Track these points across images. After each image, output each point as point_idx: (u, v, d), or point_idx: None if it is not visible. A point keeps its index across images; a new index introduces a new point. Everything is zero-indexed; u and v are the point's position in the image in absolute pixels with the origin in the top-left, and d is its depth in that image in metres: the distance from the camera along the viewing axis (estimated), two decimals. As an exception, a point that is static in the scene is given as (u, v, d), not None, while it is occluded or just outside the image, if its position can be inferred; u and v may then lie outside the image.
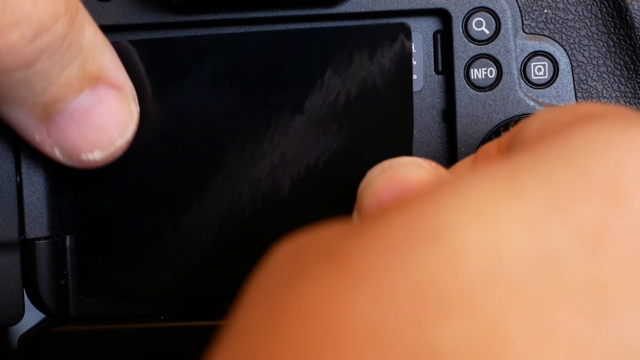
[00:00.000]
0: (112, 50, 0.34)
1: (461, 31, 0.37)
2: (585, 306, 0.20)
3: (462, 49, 0.37)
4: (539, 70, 0.38)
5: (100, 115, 0.34)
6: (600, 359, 0.20)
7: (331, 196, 0.38)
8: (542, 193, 0.22)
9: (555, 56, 0.38)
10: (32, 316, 0.40)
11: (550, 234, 0.21)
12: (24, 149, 0.38)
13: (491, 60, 0.37)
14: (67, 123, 0.34)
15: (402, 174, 0.30)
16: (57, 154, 0.35)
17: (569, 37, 0.38)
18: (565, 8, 0.37)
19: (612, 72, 0.38)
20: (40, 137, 0.34)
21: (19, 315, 0.38)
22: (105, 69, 0.34)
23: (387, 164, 0.31)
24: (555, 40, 0.38)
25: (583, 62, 0.38)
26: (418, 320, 0.20)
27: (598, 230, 0.21)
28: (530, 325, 0.20)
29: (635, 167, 0.22)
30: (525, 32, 0.38)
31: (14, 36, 0.30)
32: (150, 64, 0.38)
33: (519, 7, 0.37)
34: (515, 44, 0.37)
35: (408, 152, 0.38)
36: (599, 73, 0.38)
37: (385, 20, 0.38)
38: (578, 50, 0.38)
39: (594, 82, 0.38)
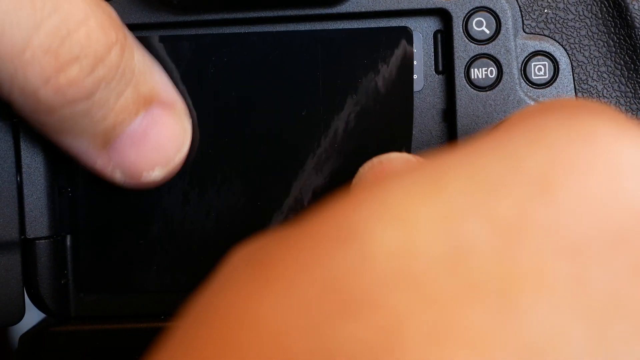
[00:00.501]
0: (160, 70, 0.36)
1: (461, 31, 0.37)
2: (493, 302, 0.19)
3: (463, 49, 0.37)
4: (540, 70, 0.38)
5: (157, 135, 0.35)
6: (505, 356, 0.19)
7: (331, 195, 0.38)
8: (463, 188, 0.21)
9: (555, 56, 0.38)
10: (32, 316, 0.40)
11: (463, 229, 0.20)
12: (24, 149, 0.38)
13: (491, 60, 0.37)
14: (126, 146, 0.35)
15: (389, 169, 0.30)
16: (119, 177, 0.36)
17: (570, 37, 0.38)
18: (565, 8, 0.37)
19: (612, 71, 0.38)
20: (101, 162, 0.35)
21: (20, 315, 0.38)
22: (156, 89, 0.35)
23: (376, 160, 0.31)
24: (555, 40, 0.38)
25: (583, 62, 0.38)
26: (319, 322, 0.20)
27: (516, 222, 0.20)
28: (430, 324, 0.19)
29: (567, 157, 0.21)
30: (525, 32, 0.38)
31: (74, 70, 0.32)
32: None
33: (520, 7, 0.37)
34: (516, 44, 0.37)
35: (408, 152, 0.38)
36: (599, 73, 0.38)
37: (385, 21, 0.38)
38: (578, 50, 0.38)
39: (594, 82, 0.38)
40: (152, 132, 0.35)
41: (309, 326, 0.20)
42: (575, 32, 0.37)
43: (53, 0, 0.32)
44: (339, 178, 0.38)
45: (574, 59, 0.38)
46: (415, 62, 0.38)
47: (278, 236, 0.24)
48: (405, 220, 0.21)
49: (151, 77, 0.35)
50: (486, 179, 0.21)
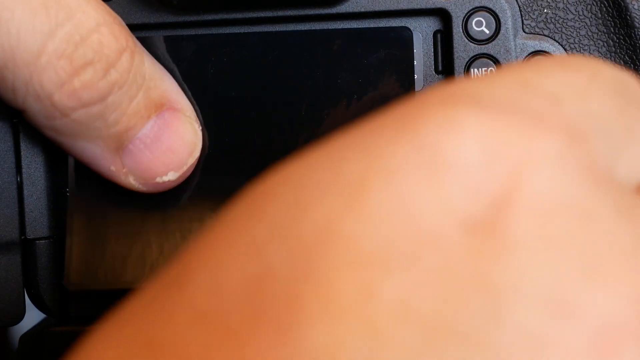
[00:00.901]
0: (169, 76, 0.37)
1: (461, 31, 0.37)
2: (275, 326, 0.19)
3: (462, 49, 0.37)
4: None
5: (169, 139, 0.36)
6: None
7: None
8: (280, 206, 0.21)
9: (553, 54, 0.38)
10: (32, 316, 0.40)
11: (264, 255, 0.20)
12: (24, 150, 0.38)
13: (491, 60, 0.37)
14: (139, 150, 0.36)
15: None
16: (132, 182, 0.36)
17: (569, 37, 0.38)
18: (565, 8, 0.37)
19: (612, 71, 0.38)
20: (115, 167, 0.36)
21: (20, 315, 0.38)
22: (167, 94, 0.36)
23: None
24: (555, 39, 0.38)
25: (583, 62, 0.38)
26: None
27: (316, 238, 0.20)
28: (218, 354, 0.20)
29: (386, 159, 0.20)
30: (525, 32, 0.38)
31: (88, 74, 0.33)
32: None
33: (519, 7, 0.37)
34: (515, 44, 0.37)
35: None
36: (599, 73, 0.38)
37: (385, 21, 0.38)
38: (578, 49, 0.38)
39: (594, 82, 0.38)
40: (164, 136, 0.36)
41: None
42: (574, 32, 0.38)
43: (66, 9, 0.33)
44: None
45: (573, 58, 0.38)
46: (415, 62, 0.38)
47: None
48: (218, 259, 0.21)
49: (162, 82, 0.36)
50: (306, 189, 0.21)
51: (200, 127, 0.37)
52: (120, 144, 0.35)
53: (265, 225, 0.21)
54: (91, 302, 0.39)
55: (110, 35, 0.34)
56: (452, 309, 0.19)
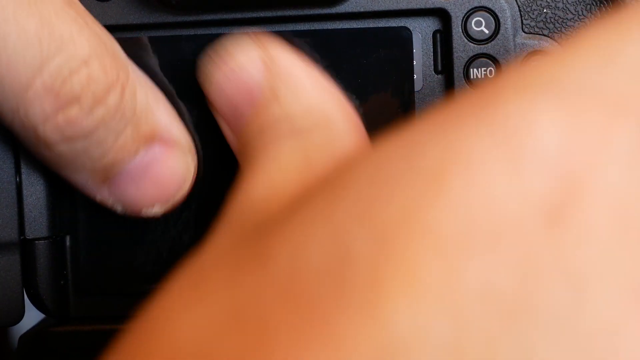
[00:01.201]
0: (165, 105, 0.36)
1: (460, 31, 0.37)
2: (358, 305, 0.20)
3: (462, 49, 0.37)
4: (539, 69, 0.38)
5: (157, 173, 0.35)
6: (361, 355, 0.20)
7: None
8: (358, 194, 0.22)
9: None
10: (32, 316, 0.40)
11: (346, 238, 0.21)
12: (23, 150, 0.38)
13: (491, 60, 0.37)
14: (126, 182, 0.35)
15: (236, 64, 0.31)
16: (119, 209, 0.36)
17: (569, 37, 0.38)
18: (564, 8, 0.37)
19: (611, 71, 0.38)
20: (101, 196, 0.36)
21: (19, 315, 0.38)
22: (158, 127, 0.35)
23: (215, 56, 0.32)
24: (554, 40, 0.38)
25: (582, 62, 0.38)
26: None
27: (396, 223, 0.21)
28: (299, 329, 0.21)
29: (463, 151, 0.21)
30: (524, 32, 0.38)
31: (73, 110, 0.32)
32: (148, 62, 0.38)
33: (519, 7, 0.37)
34: (515, 44, 0.37)
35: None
36: (598, 73, 0.38)
37: (385, 21, 0.38)
38: (577, 49, 0.38)
39: (594, 82, 0.38)
40: (152, 170, 0.35)
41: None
42: (574, 32, 0.38)
43: (58, 41, 0.32)
44: None
45: (573, 58, 0.38)
46: (414, 62, 0.38)
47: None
48: (299, 238, 0.22)
49: (153, 115, 0.35)
50: (387, 175, 0.21)
51: (196, 159, 0.37)
52: (107, 176, 0.35)
53: (346, 209, 0.21)
54: (91, 303, 0.39)
55: (100, 69, 0.33)
56: (535, 293, 0.19)
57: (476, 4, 0.37)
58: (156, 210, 0.36)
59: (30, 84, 0.32)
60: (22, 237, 0.38)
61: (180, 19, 0.37)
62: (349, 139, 0.30)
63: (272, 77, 0.32)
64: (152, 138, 0.35)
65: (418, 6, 0.37)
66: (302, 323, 0.20)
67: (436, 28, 0.38)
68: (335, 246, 0.21)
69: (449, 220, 0.20)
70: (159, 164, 0.35)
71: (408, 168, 0.21)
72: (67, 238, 0.39)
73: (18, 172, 0.38)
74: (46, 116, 0.32)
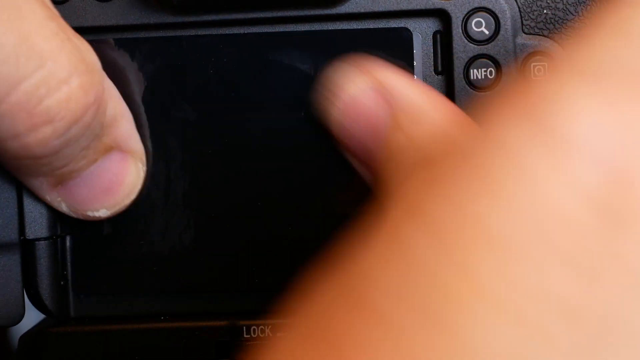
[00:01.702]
0: (129, 118, 0.36)
1: (461, 31, 0.37)
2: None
3: (462, 50, 0.37)
4: (539, 70, 0.38)
5: (109, 180, 0.35)
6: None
7: (333, 196, 0.38)
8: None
9: (554, 57, 0.38)
10: (31, 316, 0.40)
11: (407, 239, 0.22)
12: None
13: (491, 61, 0.37)
14: (77, 186, 0.35)
15: (349, 99, 0.31)
16: (64, 208, 0.36)
17: (569, 38, 0.38)
18: (564, 8, 0.37)
19: (611, 72, 0.38)
20: (50, 197, 0.36)
21: (19, 315, 0.38)
22: (119, 138, 0.35)
23: (326, 92, 0.32)
24: (554, 40, 0.38)
25: (582, 63, 0.38)
26: None
27: (450, 223, 0.21)
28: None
29: (520, 160, 0.21)
30: (524, 33, 0.38)
31: (46, 132, 0.31)
32: (150, 64, 0.38)
33: (519, 8, 0.37)
34: (515, 44, 0.37)
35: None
36: (598, 73, 0.38)
37: (385, 22, 0.38)
38: (577, 50, 0.38)
39: (594, 83, 0.38)
40: (105, 177, 0.35)
41: None
42: (574, 33, 0.37)
43: (38, 57, 0.31)
44: (340, 177, 0.38)
45: (573, 59, 0.38)
46: (414, 63, 0.38)
47: None
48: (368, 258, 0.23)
49: (117, 127, 0.35)
50: (439, 182, 0.22)
51: (145, 169, 0.37)
52: (61, 182, 0.35)
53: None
54: (91, 303, 0.39)
55: (79, 88, 0.32)
56: (593, 292, 0.20)
57: (476, 5, 0.37)
58: (101, 214, 0.36)
59: (3, 100, 0.31)
60: (22, 238, 0.38)
61: (180, 19, 0.37)
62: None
63: (388, 106, 0.31)
64: (112, 148, 0.35)
65: (418, 7, 0.37)
66: (378, 337, 0.21)
67: (436, 29, 0.38)
68: (400, 255, 0.21)
69: (500, 220, 0.20)
70: (112, 172, 0.35)
71: (454, 172, 0.22)
72: (68, 238, 0.39)
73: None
74: (16, 133, 0.31)
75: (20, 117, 0.31)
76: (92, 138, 0.34)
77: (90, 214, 0.36)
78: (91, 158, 0.34)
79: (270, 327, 0.38)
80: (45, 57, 0.31)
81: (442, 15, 0.38)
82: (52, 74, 0.31)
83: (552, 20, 0.37)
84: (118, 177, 0.36)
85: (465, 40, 0.37)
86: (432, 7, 0.37)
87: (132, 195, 0.37)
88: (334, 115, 0.33)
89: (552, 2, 0.37)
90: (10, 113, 0.31)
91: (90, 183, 0.35)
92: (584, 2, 0.37)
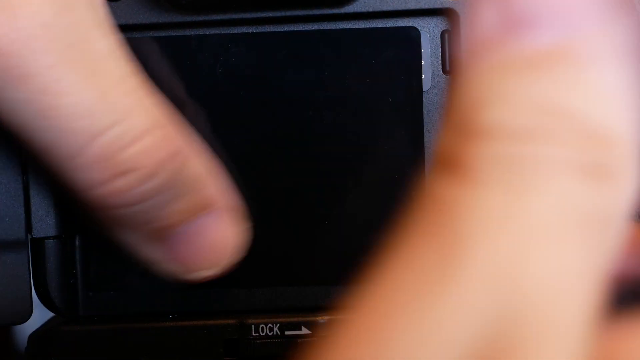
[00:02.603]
0: (220, 175, 0.35)
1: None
2: None
3: None
4: (546, 69, 0.38)
5: (208, 238, 0.35)
6: None
7: (341, 195, 0.38)
8: None
9: None
10: (37, 315, 0.40)
11: None
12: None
13: None
14: (175, 246, 0.34)
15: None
16: (165, 272, 0.36)
17: None
18: (572, 8, 0.38)
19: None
20: (148, 256, 0.35)
21: (27, 314, 0.38)
22: (213, 196, 0.34)
23: None
24: (562, 40, 0.38)
25: (590, 62, 0.38)
26: None
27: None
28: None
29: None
30: (532, 32, 0.38)
31: (119, 184, 0.32)
32: (158, 63, 0.38)
33: (527, 7, 0.38)
34: (523, 44, 0.37)
35: (420, 152, 0.38)
36: (606, 73, 0.38)
37: (393, 21, 0.38)
38: (585, 50, 0.38)
39: (601, 82, 0.38)
40: (202, 235, 0.35)
41: None
42: None
43: (121, 110, 0.31)
44: (348, 177, 0.38)
45: (581, 58, 0.38)
46: (423, 62, 0.38)
47: None
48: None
49: (209, 184, 0.34)
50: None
51: (245, 223, 0.36)
52: (158, 238, 0.34)
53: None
54: (100, 302, 0.39)
55: (162, 139, 0.32)
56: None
57: None
58: (204, 275, 0.35)
59: (81, 152, 0.31)
60: (29, 236, 0.38)
61: (189, 18, 0.38)
62: None
63: None
64: (207, 206, 0.34)
65: (426, 6, 0.37)
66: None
67: (444, 28, 0.38)
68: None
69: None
70: (212, 230, 0.35)
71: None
72: (77, 237, 0.39)
73: (25, 170, 0.38)
74: (95, 184, 0.32)
75: (99, 168, 0.31)
76: (178, 194, 0.33)
77: (194, 276, 0.35)
78: (184, 217, 0.34)
79: (278, 325, 0.38)
80: (129, 110, 0.31)
81: (450, 15, 0.38)
82: (134, 126, 0.31)
83: (560, 20, 0.38)
84: (218, 235, 0.35)
85: None
86: (440, 6, 0.37)
87: (235, 253, 0.35)
88: None
89: (560, 2, 0.38)
90: (89, 165, 0.31)
91: (187, 242, 0.34)
92: (592, 2, 0.38)
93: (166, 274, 0.36)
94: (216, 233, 0.35)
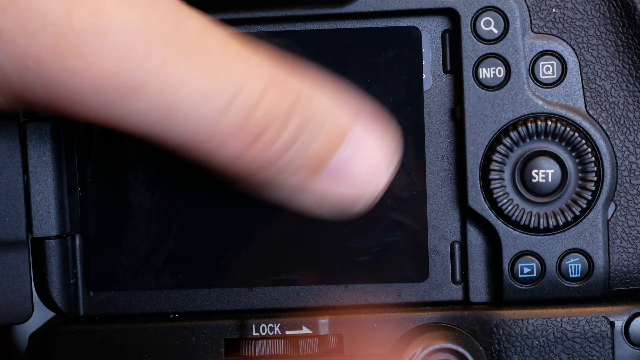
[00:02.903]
0: (344, 96, 0.34)
1: (470, 30, 0.37)
2: None
3: (471, 48, 0.37)
4: (547, 69, 0.38)
5: (361, 161, 0.34)
6: None
7: None
8: None
9: (563, 55, 0.38)
10: (37, 315, 0.40)
11: None
12: (31, 149, 0.38)
13: (499, 60, 0.37)
14: (333, 180, 0.34)
15: None
16: (324, 211, 0.35)
17: (577, 37, 0.38)
18: (573, 7, 0.38)
19: (620, 71, 0.38)
20: (307, 200, 0.34)
21: (28, 313, 0.38)
22: (348, 121, 0.34)
23: None
24: (563, 39, 0.38)
25: (591, 62, 0.38)
26: None
27: None
28: None
29: None
30: (533, 32, 0.38)
31: (259, 145, 0.32)
32: None
33: (528, 7, 0.38)
34: (524, 43, 0.37)
35: (420, 152, 0.38)
36: (607, 72, 0.38)
37: (394, 21, 0.38)
38: (586, 49, 0.38)
39: (602, 81, 0.38)
40: (356, 162, 0.34)
41: None
42: (583, 32, 0.38)
43: (237, 79, 0.31)
44: None
45: (582, 58, 0.38)
46: (423, 62, 0.38)
47: None
48: None
49: (338, 111, 0.34)
50: None
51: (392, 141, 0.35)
52: (311, 182, 0.34)
53: None
54: (101, 301, 0.39)
55: (281, 89, 0.32)
56: None
57: (485, 4, 0.37)
58: (360, 206, 0.34)
59: (214, 133, 0.31)
60: (30, 236, 0.38)
61: None
62: None
63: None
64: (348, 130, 0.33)
65: (427, 6, 0.37)
66: None
67: (445, 28, 0.38)
68: None
69: None
70: (359, 153, 0.34)
71: None
72: (78, 237, 0.39)
73: (25, 171, 0.38)
74: (235, 156, 0.32)
75: (235, 141, 0.31)
76: (313, 132, 0.33)
77: (354, 207, 0.34)
78: (327, 150, 0.33)
79: (279, 325, 0.38)
80: (245, 76, 0.31)
81: (451, 14, 0.38)
82: (254, 90, 0.31)
83: (561, 20, 0.38)
84: (366, 156, 0.34)
85: (474, 39, 0.37)
86: (441, 6, 0.37)
87: (390, 165, 0.34)
88: None
89: (561, 1, 0.38)
90: (225, 141, 0.31)
91: (343, 174, 0.34)
92: (593, 2, 0.38)
93: (327, 215, 0.35)
94: (364, 153, 0.34)
